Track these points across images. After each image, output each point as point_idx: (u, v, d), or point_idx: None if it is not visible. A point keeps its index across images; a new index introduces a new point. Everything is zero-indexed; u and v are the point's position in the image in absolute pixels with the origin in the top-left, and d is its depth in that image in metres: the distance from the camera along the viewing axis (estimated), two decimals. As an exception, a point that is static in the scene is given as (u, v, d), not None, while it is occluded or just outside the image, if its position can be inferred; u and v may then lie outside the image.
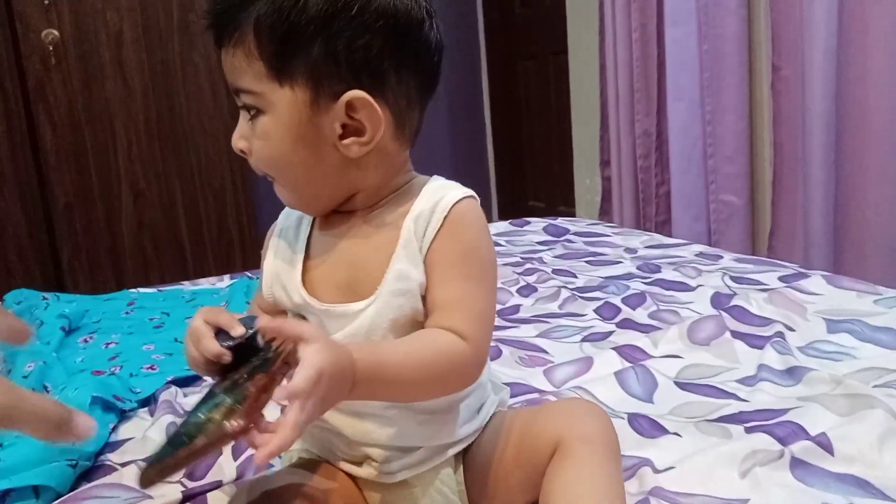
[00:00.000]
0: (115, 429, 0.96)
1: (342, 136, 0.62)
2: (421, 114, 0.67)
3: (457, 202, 0.65)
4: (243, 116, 0.64)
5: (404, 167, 0.69)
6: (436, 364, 0.60)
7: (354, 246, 0.67)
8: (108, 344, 1.30)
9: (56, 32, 2.32)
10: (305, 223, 0.72)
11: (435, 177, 0.70)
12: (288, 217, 0.74)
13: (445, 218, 0.64)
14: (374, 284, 0.65)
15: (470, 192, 0.67)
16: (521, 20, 3.24)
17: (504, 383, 0.95)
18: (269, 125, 0.62)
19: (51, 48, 2.32)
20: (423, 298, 0.64)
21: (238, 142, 0.65)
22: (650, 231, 2.08)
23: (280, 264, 0.71)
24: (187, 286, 1.70)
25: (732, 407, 0.87)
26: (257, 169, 0.66)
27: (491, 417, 0.72)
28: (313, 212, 0.70)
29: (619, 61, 2.38)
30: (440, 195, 0.65)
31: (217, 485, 0.79)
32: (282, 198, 0.68)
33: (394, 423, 0.67)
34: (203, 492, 0.77)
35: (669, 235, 1.92)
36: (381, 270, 0.64)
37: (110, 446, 0.91)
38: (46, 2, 2.30)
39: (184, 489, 0.77)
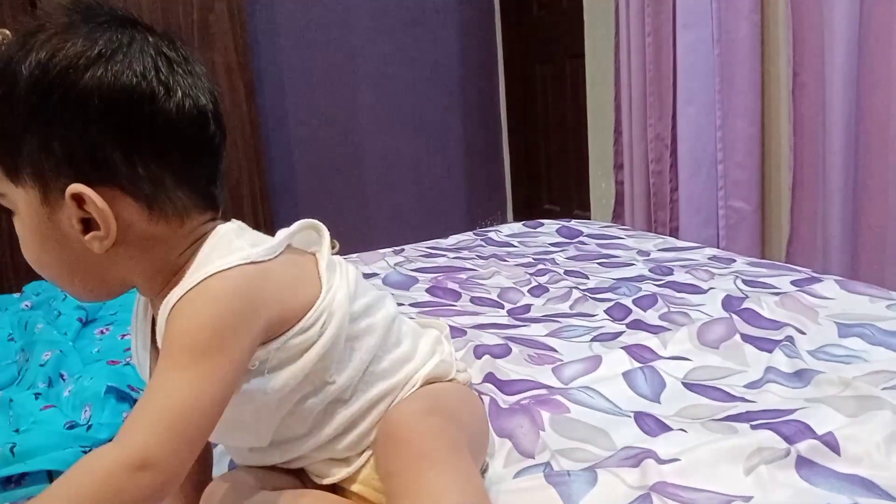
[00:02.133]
0: (126, 417, 0.97)
1: (84, 232, 0.58)
2: (193, 184, 0.61)
3: (193, 286, 0.57)
4: None
5: (187, 240, 0.62)
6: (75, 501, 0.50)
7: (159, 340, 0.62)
8: (123, 335, 1.31)
9: (8, 33, 2.36)
10: (143, 300, 0.68)
11: (217, 233, 0.63)
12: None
13: (177, 305, 0.57)
14: None
15: (228, 262, 0.59)
16: (539, 23, 3.25)
17: (512, 380, 0.97)
18: (18, 226, 0.61)
19: None
20: None
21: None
22: (663, 235, 2.07)
23: (139, 349, 0.68)
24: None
25: (739, 408, 0.88)
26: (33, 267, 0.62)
27: None
28: (95, 300, 0.66)
29: (632, 65, 2.38)
30: (187, 281, 0.58)
31: None
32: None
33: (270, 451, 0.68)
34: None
35: (679, 240, 1.92)
36: None
37: (123, 434, 0.93)
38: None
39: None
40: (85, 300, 0.66)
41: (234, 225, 0.65)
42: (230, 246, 0.61)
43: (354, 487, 0.69)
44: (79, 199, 0.57)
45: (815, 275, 1.31)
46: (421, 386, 0.72)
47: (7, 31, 2.31)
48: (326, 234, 0.71)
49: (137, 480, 0.51)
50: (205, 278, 0.57)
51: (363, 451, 0.69)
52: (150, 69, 0.57)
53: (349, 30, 3.11)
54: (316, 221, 0.71)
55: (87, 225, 0.58)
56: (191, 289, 0.57)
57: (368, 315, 0.69)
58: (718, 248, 2.00)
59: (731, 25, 2.05)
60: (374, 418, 0.69)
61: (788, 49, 1.94)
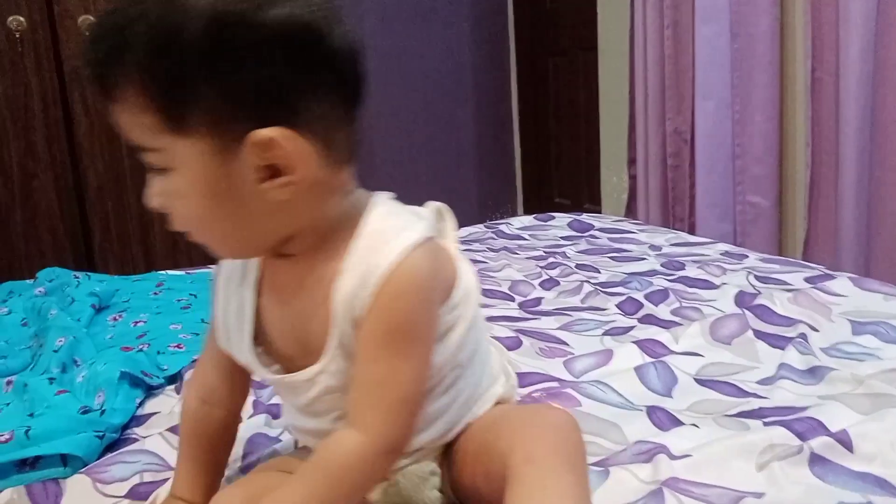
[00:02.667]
0: (141, 403, 0.98)
1: (263, 180, 0.55)
2: (352, 126, 0.59)
3: (393, 267, 0.57)
4: (151, 175, 0.58)
5: (341, 190, 0.61)
6: (335, 486, 0.57)
7: (299, 300, 0.62)
8: (136, 322, 1.32)
9: (93, 18, 2.36)
10: (252, 265, 0.65)
11: (377, 202, 0.62)
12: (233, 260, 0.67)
13: (382, 285, 0.57)
14: (321, 345, 0.61)
15: (419, 233, 0.59)
16: (552, 15, 3.23)
17: (523, 372, 0.97)
18: (181, 183, 0.56)
19: (87, 33, 2.36)
20: None
21: (153, 199, 0.58)
22: (679, 230, 2.07)
23: (231, 321, 0.66)
24: (215, 269, 1.72)
25: (752, 404, 0.87)
26: (180, 227, 0.59)
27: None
28: (242, 258, 0.64)
29: (648, 59, 2.36)
30: (375, 255, 0.58)
31: None
32: (206, 245, 0.61)
33: None
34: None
35: (694, 234, 1.91)
36: (325, 330, 0.60)
37: (136, 420, 0.94)
38: (84, -13, 2.34)
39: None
40: (232, 257, 0.64)
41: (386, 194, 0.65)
42: (402, 217, 0.61)
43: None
44: (263, 145, 0.54)
45: (828, 272, 1.31)
46: (494, 405, 0.72)
47: (92, 17, 2.32)
48: (452, 216, 0.71)
49: (385, 463, 0.60)
50: (403, 258, 0.57)
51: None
52: (319, 4, 0.55)
53: (361, 21, 3.11)
54: (441, 204, 0.71)
55: (264, 174, 0.55)
56: (392, 267, 0.56)
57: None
58: (735, 243, 1.99)
59: (750, 20, 2.04)
60: (444, 424, 0.68)
61: (807, 44, 1.93)
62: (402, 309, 0.58)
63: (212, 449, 0.71)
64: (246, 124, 0.53)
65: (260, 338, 0.65)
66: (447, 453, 0.70)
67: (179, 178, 0.56)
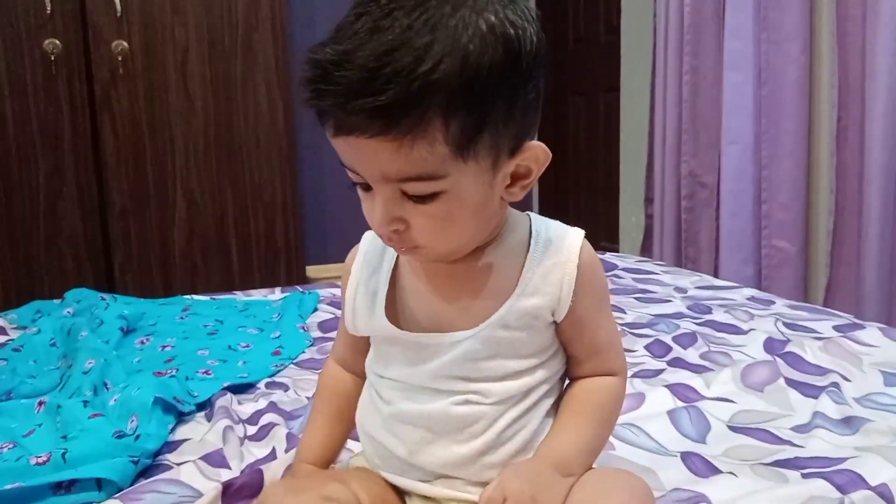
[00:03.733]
0: (172, 429, 0.98)
1: (510, 185, 0.62)
2: None
3: (582, 251, 0.66)
4: (388, 196, 0.58)
5: None
6: (606, 417, 0.69)
7: (457, 282, 0.67)
8: (163, 347, 1.33)
9: (126, 44, 2.40)
10: (390, 251, 0.71)
11: (527, 213, 0.71)
12: (372, 242, 0.73)
13: (579, 268, 0.66)
14: (475, 319, 0.65)
15: (578, 230, 0.69)
16: (574, 55, 3.27)
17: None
18: (453, 205, 0.59)
19: (119, 59, 2.40)
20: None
21: (391, 225, 0.60)
22: (692, 271, 2.07)
23: (362, 295, 0.71)
24: (240, 296, 1.74)
25: (787, 452, 0.87)
26: (411, 242, 0.61)
27: None
28: (454, 257, 0.66)
29: (668, 101, 2.39)
30: (558, 241, 0.67)
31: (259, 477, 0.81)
32: (416, 258, 0.66)
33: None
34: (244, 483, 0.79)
35: (717, 277, 1.91)
36: (487, 308, 0.65)
37: (168, 446, 0.94)
38: (119, 14, 2.38)
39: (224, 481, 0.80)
40: (448, 256, 0.65)
41: None
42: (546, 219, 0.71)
43: None
44: (527, 155, 0.61)
45: (857, 321, 1.31)
46: None
47: (125, 43, 2.36)
48: None
49: (625, 391, 0.72)
50: (583, 243, 0.67)
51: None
52: (531, 15, 0.60)
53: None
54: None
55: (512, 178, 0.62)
56: (581, 251, 0.66)
57: None
58: (760, 287, 1.99)
59: (778, 67, 2.06)
60: (514, 447, 0.67)
61: (833, 94, 1.94)
62: (599, 279, 0.69)
63: (347, 408, 0.76)
64: (518, 139, 0.60)
65: (390, 313, 0.69)
66: None
67: (453, 200, 0.58)
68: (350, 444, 0.90)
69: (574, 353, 0.70)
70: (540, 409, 0.68)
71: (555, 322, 0.67)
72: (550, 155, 0.63)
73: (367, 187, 0.60)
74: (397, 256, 0.71)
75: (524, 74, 0.57)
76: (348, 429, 0.78)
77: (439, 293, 0.67)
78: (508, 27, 0.56)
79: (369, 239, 0.74)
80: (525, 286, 0.65)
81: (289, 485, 0.70)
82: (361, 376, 0.76)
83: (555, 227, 0.69)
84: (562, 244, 0.67)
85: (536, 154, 0.62)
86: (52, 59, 2.34)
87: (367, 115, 0.53)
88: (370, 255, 0.73)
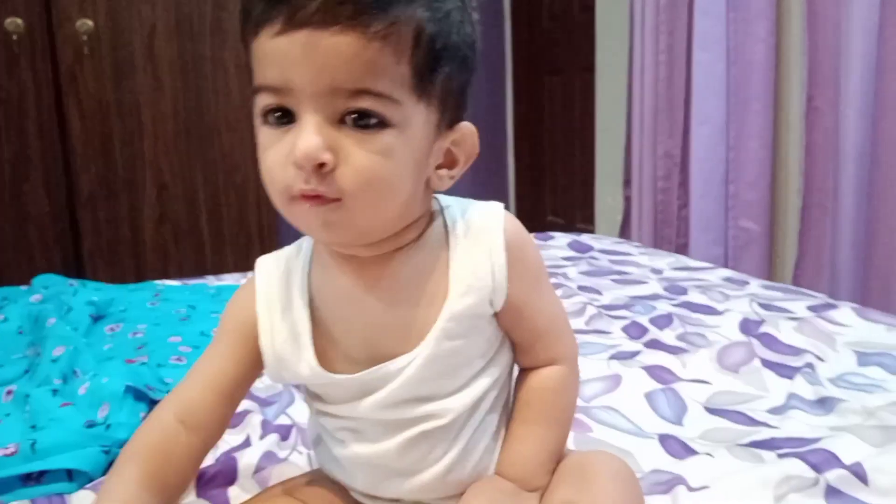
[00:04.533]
0: (144, 418, 0.96)
1: (439, 167, 0.59)
2: None
3: (504, 227, 0.62)
4: (321, 121, 0.52)
5: None
6: (559, 416, 0.66)
7: (386, 295, 0.61)
8: (134, 333, 1.30)
9: (90, 23, 2.34)
10: (296, 278, 0.64)
11: (440, 197, 0.65)
12: (270, 276, 0.65)
13: (507, 250, 0.61)
14: (415, 338, 0.60)
15: (495, 204, 0.64)
16: (549, 35, 3.26)
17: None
18: (396, 142, 0.53)
19: (84, 38, 2.34)
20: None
21: (322, 153, 0.51)
22: (669, 252, 2.08)
23: (281, 342, 0.63)
24: (212, 281, 1.71)
25: (763, 433, 0.88)
26: (335, 190, 0.52)
27: None
28: (360, 244, 0.59)
29: (645, 82, 2.39)
30: (477, 223, 0.62)
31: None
32: (325, 225, 0.54)
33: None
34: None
35: (687, 257, 1.92)
36: (425, 323, 0.60)
37: (141, 435, 0.92)
38: (83, -8, 2.32)
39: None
40: (348, 240, 0.58)
41: None
42: (456, 199, 0.66)
43: None
44: (462, 136, 0.59)
45: (830, 301, 1.32)
46: None
47: (90, 22, 2.29)
48: None
49: (577, 377, 0.70)
50: (503, 219, 0.62)
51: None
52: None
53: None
54: None
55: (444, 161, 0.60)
56: (503, 229, 0.62)
57: None
58: (726, 267, 2.00)
59: (746, 48, 2.06)
60: (478, 455, 0.65)
61: (803, 74, 1.95)
62: (531, 258, 0.64)
63: (172, 474, 0.64)
64: (457, 111, 0.58)
65: (321, 356, 0.62)
66: None
67: (397, 137, 0.53)
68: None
69: (517, 341, 0.66)
70: (497, 408, 0.66)
71: (495, 313, 0.62)
72: (478, 149, 0.61)
73: (288, 119, 0.53)
74: (309, 286, 0.63)
75: (474, 46, 0.58)
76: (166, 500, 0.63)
77: (369, 314, 0.61)
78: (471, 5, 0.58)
79: (265, 272, 0.66)
80: (456, 287, 0.60)
81: None
82: (209, 433, 0.66)
83: (470, 209, 0.63)
84: (482, 229, 0.61)
85: (467, 137, 0.59)
86: (15, 38, 2.27)
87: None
88: (272, 292, 0.64)
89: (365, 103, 0.51)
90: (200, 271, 2.45)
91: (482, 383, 0.63)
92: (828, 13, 1.85)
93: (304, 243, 0.67)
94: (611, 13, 2.73)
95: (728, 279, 1.52)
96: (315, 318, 0.63)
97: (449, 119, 0.58)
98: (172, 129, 2.49)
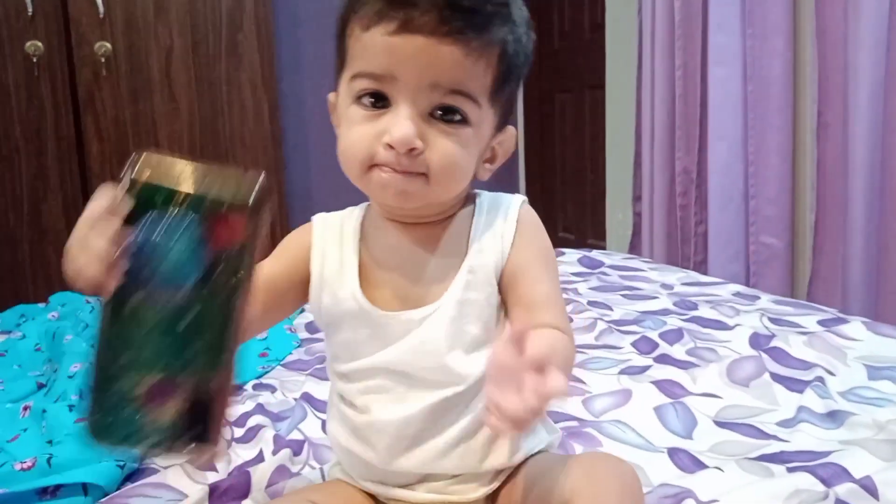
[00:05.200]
0: (159, 433, 0.98)
1: (486, 161, 0.69)
2: None
3: (521, 209, 0.70)
4: (416, 113, 0.61)
5: None
6: (566, 358, 0.65)
7: (424, 254, 0.69)
8: (149, 350, 1.32)
9: (109, 45, 2.39)
10: (349, 227, 0.72)
11: (477, 191, 0.74)
12: (325, 223, 0.73)
13: (517, 223, 0.69)
14: (440, 291, 0.67)
15: (518, 195, 0.73)
16: (560, 53, 3.28)
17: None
18: (471, 137, 0.64)
19: (102, 60, 2.39)
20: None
21: (416, 140, 0.60)
22: (686, 269, 2.08)
23: (329, 271, 0.70)
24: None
25: (773, 447, 0.88)
26: (418, 167, 0.61)
27: (534, 455, 0.72)
28: (417, 213, 0.68)
29: (656, 98, 2.39)
30: (500, 203, 0.71)
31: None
32: (401, 192, 0.63)
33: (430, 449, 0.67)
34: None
35: (705, 274, 1.92)
36: (449, 277, 0.67)
37: (155, 450, 0.93)
38: (101, 15, 2.37)
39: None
40: (440, 205, 0.68)
41: None
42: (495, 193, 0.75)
43: None
44: (509, 137, 0.70)
45: (841, 315, 1.32)
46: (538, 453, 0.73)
47: (108, 44, 2.33)
48: None
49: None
50: (523, 203, 0.72)
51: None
52: None
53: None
54: None
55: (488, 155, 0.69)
56: (520, 209, 0.71)
57: None
58: (748, 284, 2.00)
59: (764, 62, 2.06)
60: (487, 434, 0.67)
61: (813, 89, 1.96)
62: (541, 236, 0.71)
63: None
64: (507, 118, 0.68)
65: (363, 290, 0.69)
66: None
67: (473, 133, 0.64)
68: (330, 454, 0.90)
69: (511, 308, 0.68)
70: None
71: (500, 281, 0.68)
72: (514, 148, 0.71)
73: (382, 103, 0.62)
74: (361, 232, 0.71)
75: (530, 64, 0.67)
76: None
77: (409, 265, 0.69)
78: (532, 29, 0.67)
79: (322, 218, 0.74)
80: (473, 247, 0.68)
81: None
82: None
83: (497, 195, 0.73)
84: (501, 206, 0.71)
85: (509, 137, 0.70)
86: (35, 60, 2.32)
87: (460, 13, 0.58)
88: (327, 232, 0.72)
89: (457, 101, 0.62)
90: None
91: (484, 358, 0.65)
92: (836, 29, 1.86)
93: (356, 210, 0.74)
94: (621, 31, 2.75)
95: (738, 294, 1.52)
96: (361, 263, 0.70)
97: (501, 122, 0.68)
98: (188, 148, 2.52)
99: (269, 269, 0.70)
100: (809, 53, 2.00)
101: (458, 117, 0.62)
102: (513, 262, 0.67)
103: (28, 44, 2.31)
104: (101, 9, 2.35)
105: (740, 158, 2.13)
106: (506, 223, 0.69)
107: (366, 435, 0.69)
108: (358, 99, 0.63)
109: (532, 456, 0.71)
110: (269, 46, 2.56)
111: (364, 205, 0.74)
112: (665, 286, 1.61)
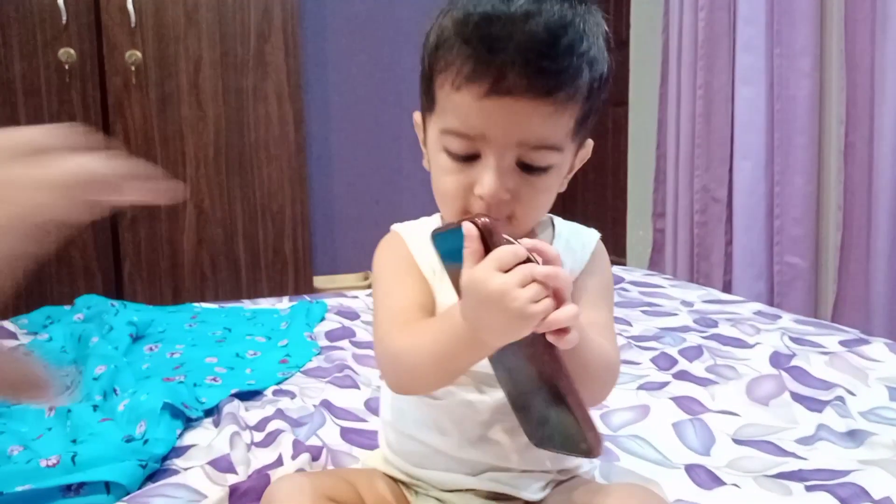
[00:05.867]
0: (180, 435, 0.99)
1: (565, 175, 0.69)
2: None
3: (598, 242, 0.74)
4: (504, 167, 0.62)
5: None
6: (609, 362, 0.66)
7: None
8: (172, 353, 1.34)
9: (139, 54, 2.43)
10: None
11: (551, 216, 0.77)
12: (410, 229, 0.75)
13: (592, 253, 0.73)
14: None
15: (598, 233, 0.76)
16: (583, 70, 3.29)
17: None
18: (554, 180, 0.66)
19: (133, 69, 2.43)
20: None
21: (504, 194, 0.62)
22: (704, 286, 2.07)
23: (430, 272, 0.72)
24: (248, 305, 1.75)
25: (791, 465, 0.87)
26: (502, 215, 0.64)
27: (569, 479, 0.73)
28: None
29: (681, 116, 2.39)
30: (580, 232, 0.75)
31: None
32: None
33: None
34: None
35: (729, 292, 1.91)
36: None
37: (176, 451, 0.95)
38: (133, 24, 2.41)
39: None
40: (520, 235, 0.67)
41: None
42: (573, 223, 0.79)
43: None
44: (583, 152, 0.70)
45: (863, 336, 1.31)
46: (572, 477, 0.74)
47: (139, 53, 2.38)
48: None
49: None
50: (599, 238, 0.76)
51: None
52: None
53: (396, 64, 3.18)
54: None
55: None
56: (597, 242, 0.75)
57: None
58: (771, 303, 1.99)
59: (791, 83, 2.06)
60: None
61: (840, 110, 1.95)
62: (608, 271, 0.74)
63: None
64: (587, 136, 0.68)
65: None
66: None
67: (556, 175, 0.65)
68: (356, 451, 0.92)
69: None
70: None
71: None
72: (590, 153, 0.71)
73: (471, 158, 0.63)
74: None
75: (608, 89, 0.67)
76: None
77: None
78: (608, 49, 0.65)
79: (404, 226, 0.76)
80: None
81: (294, 482, 0.68)
82: None
83: (575, 225, 0.76)
84: (580, 235, 0.75)
85: (588, 151, 0.70)
86: (67, 68, 2.37)
87: (547, 74, 0.58)
88: (416, 236, 0.74)
89: (540, 156, 0.62)
90: (236, 295, 2.50)
91: None
92: (863, 50, 1.85)
93: (430, 220, 0.77)
94: (645, 49, 2.76)
95: (759, 312, 1.52)
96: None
97: (584, 140, 0.68)
98: (213, 157, 2.56)
99: (410, 296, 0.72)
100: (836, 74, 1.99)
101: (544, 166, 0.63)
102: (578, 286, 0.70)
103: (61, 51, 2.35)
104: (133, 18, 2.40)
105: (765, 178, 2.13)
106: (583, 251, 0.73)
107: (440, 423, 0.70)
108: (448, 150, 0.64)
109: (573, 477, 0.73)
110: (295, 58, 2.60)
111: (437, 216, 0.76)
112: (685, 303, 1.61)
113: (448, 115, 0.63)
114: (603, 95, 0.66)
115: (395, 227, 0.76)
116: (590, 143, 0.70)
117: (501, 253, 0.53)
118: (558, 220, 0.76)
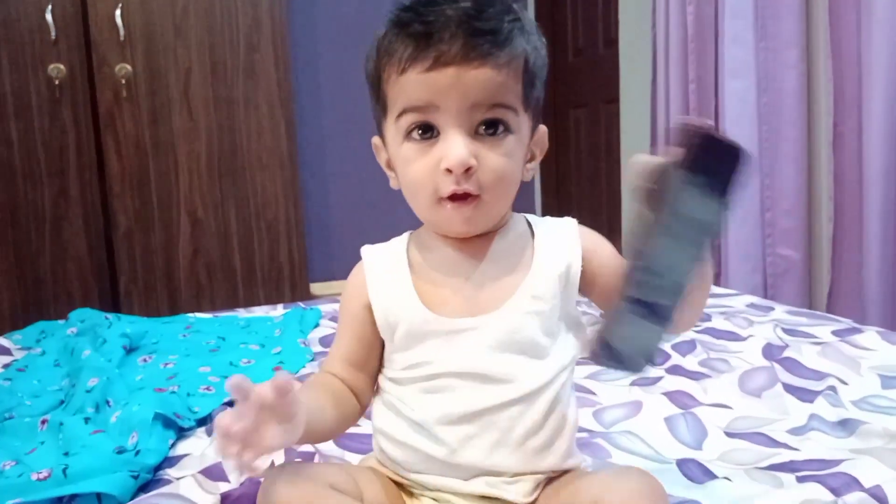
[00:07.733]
0: (172, 445, 0.99)
1: (527, 161, 0.73)
2: None
3: (578, 226, 0.76)
4: (464, 135, 0.66)
5: None
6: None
7: (484, 263, 0.72)
8: (165, 364, 1.34)
9: (129, 67, 2.44)
10: (399, 250, 0.76)
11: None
12: (374, 254, 0.77)
13: (580, 236, 0.74)
14: (504, 298, 0.70)
15: (572, 219, 0.77)
16: (574, 69, 3.29)
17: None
18: (515, 144, 0.68)
19: (123, 81, 2.43)
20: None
21: (471, 159, 0.65)
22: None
23: (388, 292, 0.74)
24: (242, 313, 1.75)
25: (783, 456, 0.87)
26: (477, 187, 0.66)
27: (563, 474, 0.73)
28: (483, 230, 0.72)
29: (672, 112, 2.39)
30: (558, 225, 0.76)
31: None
32: (467, 220, 0.69)
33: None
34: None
35: (724, 286, 1.91)
36: (512, 286, 0.71)
37: (168, 461, 0.95)
38: (122, 38, 2.42)
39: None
40: (478, 228, 0.72)
41: None
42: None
43: None
44: (543, 136, 0.74)
45: (856, 325, 1.31)
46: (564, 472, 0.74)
47: (129, 66, 2.39)
48: None
49: None
50: (576, 222, 0.76)
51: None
52: None
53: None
54: None
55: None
56: (576, 226, 0.76)
57: None
58: (765, 296, 1.98)
59: (777, 75, 2.06)
60: (548, 434, 0.70)
61: (828, 100, 1.95)
62: (602, 238, 0.75)
63: (337, 401, 0.74)
64: (538, 120, 0.72)
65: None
66: None
67: (515, 141, 0.68)
68: (348, 456, 0.91)
69: (601, 290, 0.73)
70: (566, 388, 0.72)
71: (580, 281, 0.72)
72: (548, 145, 0.75)
73: (430, 134, 0.67)
74: (408, 259, 0.75)
75: (546, 69, 0.72)
76: (335, 417, 0.73)
77: (469, 277, 0.72)
78: (542, 34, 0.71)
79: (370, 250, 0.78)
80: (540, 257, 0.72)
81: (292, 471, 0.67)
82: (353, 391, 0.76)
83: (548, 219, 0.77)
84: (559, 225, 0.76)
85: (543, 136, 0.74)
86: (57, 83, 2.37)
87: (481, 38, 0.64)
88: (378, 265, 0.76)
89: (497, 113, 0.67)
90: (232, 305, 2.50)
91: (557, 358, 0.71)
92: (850, 40, 1.85)
93: (403, 236, 0.79)
94: (634, 46, 2.76)
95: (752, 305, 1.52)
96: (417, 284, 0.73)
97: (535, 124, 0.72)
98: (206, 168, 2.56)
99: (343, 349, 0.77)
100: (823, 65, 1.99)
101: (501, 128, 0.67)
102: (598, 265, 0.72)
103: (51, 67, 2.36)
104: (122, 32, 2.40)
105: (755, 171, 2.13)
106: (568, 236, 0.74)
107: (432, 430, 0.70)
108: (408, 134, 0.68)
109: (567, 472, 0.73)
110: (285, 67, 2.60)
111: (406, 235, 0.78)
112: (679, 298, 1.61)
113: (399, 99, 0.67)
114: (544, 72, 0.71)
115: (364, 251, 0.78)
116: (543, 129, 0.74)
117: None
118: (532, 218, 0.77)
